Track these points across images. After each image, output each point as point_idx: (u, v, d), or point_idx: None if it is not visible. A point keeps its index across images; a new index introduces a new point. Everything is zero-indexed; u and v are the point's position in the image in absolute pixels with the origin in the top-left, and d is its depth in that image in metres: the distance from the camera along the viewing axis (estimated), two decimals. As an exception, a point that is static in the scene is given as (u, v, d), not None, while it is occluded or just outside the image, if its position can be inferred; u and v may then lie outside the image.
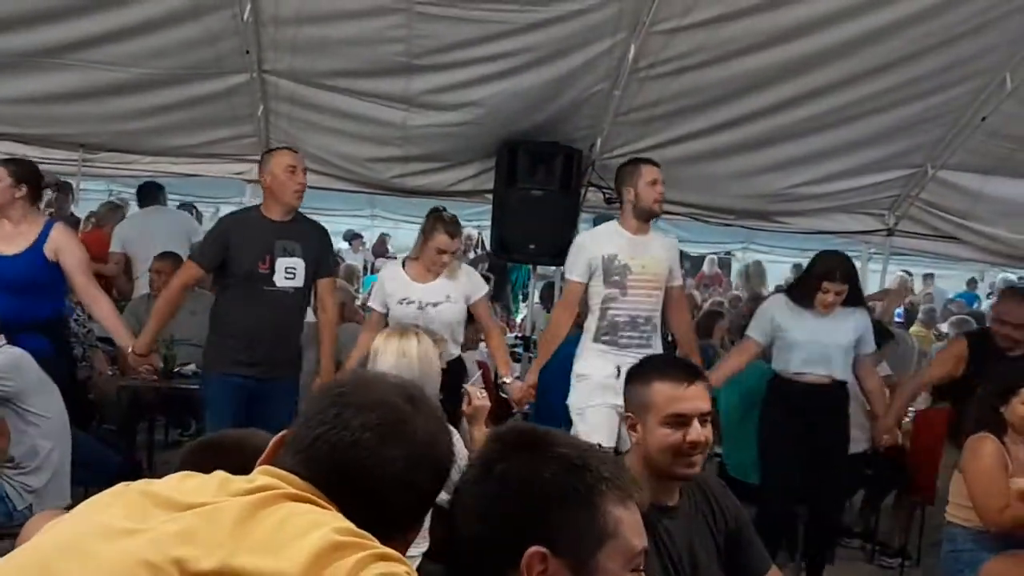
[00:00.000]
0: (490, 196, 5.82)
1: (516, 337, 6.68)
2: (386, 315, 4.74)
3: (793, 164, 5.83)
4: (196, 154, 5.80)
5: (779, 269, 13.64)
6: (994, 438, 3.79)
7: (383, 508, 1.28)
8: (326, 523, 1.16)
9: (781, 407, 4.85)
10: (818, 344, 4.73)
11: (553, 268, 6.44)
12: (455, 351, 4.80)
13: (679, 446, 2.29)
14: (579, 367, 4.66)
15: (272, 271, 4.42)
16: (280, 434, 1.34)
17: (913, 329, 8.88)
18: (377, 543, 1.18)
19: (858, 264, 8.42)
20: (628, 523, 1.39)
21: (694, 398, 2.33)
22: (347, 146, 5.71)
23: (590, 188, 5.92)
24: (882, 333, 6.20)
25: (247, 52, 4.98)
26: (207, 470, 1.29)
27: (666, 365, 2.47)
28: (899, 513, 5.99)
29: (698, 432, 2.30)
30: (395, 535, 1.29)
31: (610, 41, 4.92)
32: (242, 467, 1.32)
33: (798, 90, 5.20)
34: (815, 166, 5.87)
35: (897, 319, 8.71)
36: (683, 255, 12.93)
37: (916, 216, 6.39)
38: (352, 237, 14.05)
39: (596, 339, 4.67)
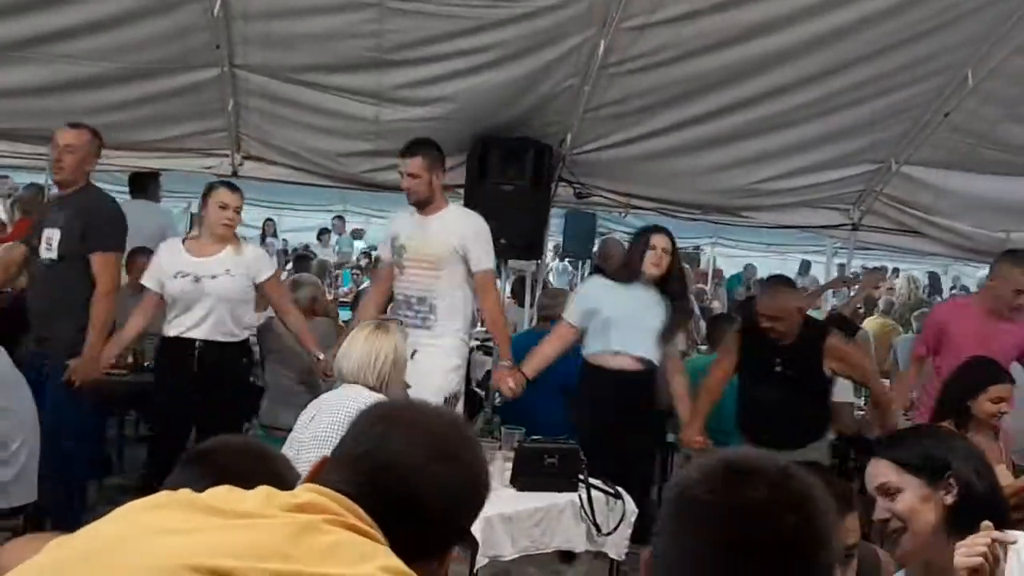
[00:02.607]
0: (462, 191, 5.85)
1: (487, 331, 6.70)
2: (161, 296, 4.56)
3: (759, 160, 5.91)
4: (166, 149, 5.78)
5: (743, 264, 13.85)
6: (952, 429, 3.88)
7: (424, 528, 1.28)
8: (375, 558, 1.15)
9: (591, 395, 4.65)
10: (634, 323, 4.59)
11: (524, 262, 6.47)
12: (241, 334, 4.64)
13: None
14: None
15: (39, 242, 4.45)
16: (321, 457, 1.34)
17: (873, 320, 9.00)
18: None
19: (823, 258, 8.59)
20: None
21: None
22: (318, 141, 5.72)
23: (560, 183, 5.98)
24: (848, 326, 6.31)
25: (217, 47, 4.98)
26: (206, 477, 1.29)
27: None
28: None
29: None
30: (430, 559, 1.30)
31: (580, 37, 4.97)
32: (239, 475, 1.31)
33: (764, 87, 5.28)
34: (781, 162, 5.95)
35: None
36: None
37: (880, 211, 6.50)
38: (322, 232, 14.04)
39: (391, 316, 4.70)
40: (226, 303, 4.52)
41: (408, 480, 1.27)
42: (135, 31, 4.86)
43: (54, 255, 4.46)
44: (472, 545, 3.51)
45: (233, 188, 4.62)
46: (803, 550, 1.16)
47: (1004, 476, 3.76)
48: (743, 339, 4.72)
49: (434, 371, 4.45)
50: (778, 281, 4.93)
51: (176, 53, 5.03)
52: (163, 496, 1.23)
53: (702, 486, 1.20)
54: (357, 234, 14.40)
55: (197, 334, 4.51)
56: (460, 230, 4.61)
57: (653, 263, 4.60)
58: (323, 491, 1.23)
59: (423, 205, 4.61)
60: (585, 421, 4.53)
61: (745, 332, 4.78)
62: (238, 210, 4.60)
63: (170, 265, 4.53)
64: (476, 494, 1.35)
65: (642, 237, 4.70)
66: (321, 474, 1.30)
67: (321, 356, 4.62)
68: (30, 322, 4.57)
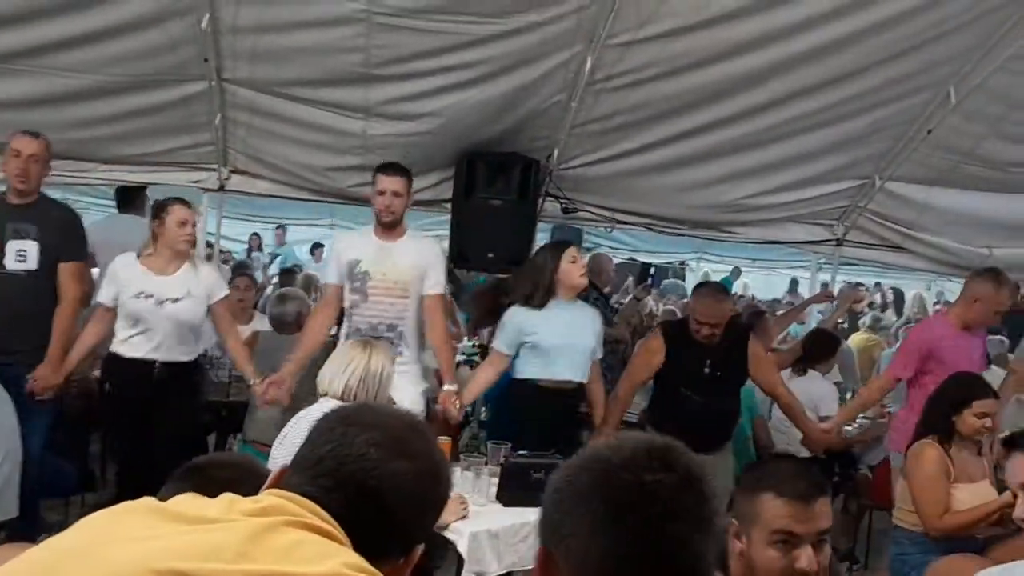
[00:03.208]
0: (449, 206, 5.86)
1: (474, 345, 6.71)
2: (115, 309, 4.54)
3: (744, 175, 5.94)
4: (153, 162, 5.75)
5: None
6: (936, 445, 3.91)
7: (386, 527, 1.30)
8: (335, 555, 1.17)
9: (520, 412, 4.61)
10: (565, 346, 4.57)
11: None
12: (195, 351, 4.67)
13: (787, 574, 2.00)
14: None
15: (2, 254, 4.45)
16: (283, 465, 1.36)
17: (858, 336, 9.05)
18: None
19: (807, 274, 8.64)
20: None
21: (814, 518, 2.02)
22: (306, 155, 5.71)
23: (547, 198, 5.99)
24: (830, 340, 6.36)
25: (206, 60, 4.98)
26: (200, 492, 1.30)
27: (784, 474, 2.11)
28: (846, 518, 6.11)
29: (810, 558, 1.99)
30: (397, 557, 1.32)
31: (567, 53, 4.99)
32: (232, 489, 1.32)
33: (749, 103, 5.32)
34: (766, 177, 5.99)
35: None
36: (632, 263, 12.98)
37: (864, 226, 6.54)
38: (315, 247, 14.01)
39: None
40: (187, 325, 4.57)
41: (369, 479, 1.29)
42: (123, 44, 4.84)
43: (30, 266, 4.46)
44: (458, 562, 3.51)
45: (187, 204, 4.64)
46: (707, 526, 1.23)
47: (988, 493, 3.80)
48: (668, 341, 4.81)
49: (407, 398, 4.38)
50: (715, 288, 5.10)
51: (164, 67, 5.02)
52: (126, 505, 1.25)
53: (637, 471, 1.22)
54: None
55: (158, 356, 4.52)
56: (423, 254, 4.63)
57: (580, 274, 4.62)
58: (285, 494, 1.26)
59: (392, 227, 4.61)
60: (504, 429, 4.49)
61: (669, 335, 4.86)
62: (195, 224, 4.63)
63: (129, 283, 4.51)
64: (437, 491, 1.38)
65: (554, 254, 4.64)
66: (283, 480, 1.32)
67: (257, 381, 4.61)
68: None
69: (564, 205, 6.09)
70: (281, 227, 13.25)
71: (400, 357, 4.47)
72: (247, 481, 1.39)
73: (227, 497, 1.26)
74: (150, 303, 4.48)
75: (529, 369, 4.60)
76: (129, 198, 6.49)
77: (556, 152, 5.75)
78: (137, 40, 4.83)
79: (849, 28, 4.82)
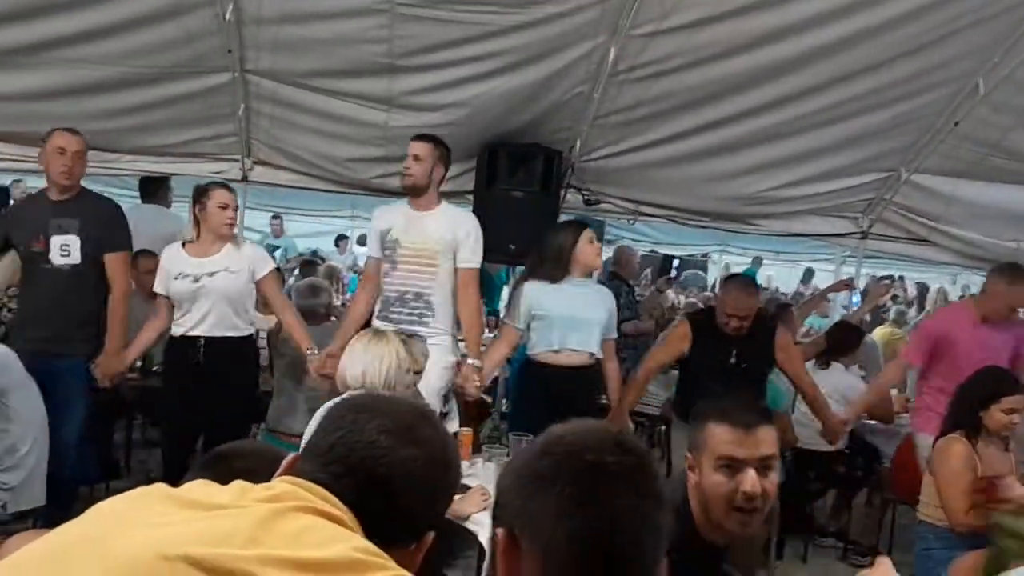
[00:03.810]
0: (471, 197, 5.85)
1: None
2: (168, 298, 4.65)
3: (768, 167, 5.90)
4: (176, 153, 5.79)
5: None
6: (964, 440, 3.88)
7: (397, 513, 1.31)
8: (345, 540, 1.19)
9: (536, 392, 4.71)
10: (575, 319, 4.71)
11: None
12: (245, 328, 4.70)
13: (732, 497, 2.11)
14: None
15: (48, 249, 4.54)
16: (293, 454, 1.38)
17: (881, 329, 9.00)
18: (394, 564, 1.20)
19: (832, 266, 8.58)
20: None
21: (755, 444, 2.13)
22: (328, 146, 5.73)
23: (569, 190, 5.98)
24: (854, 333, 6.33)
25: (230, 51, 4.99)
26: (221, 480, 1.31)
27: (726, 406, 2.22)
28: (871, 512, 6.08)
29: (753, 482, 2.10)
30: (407, 543, 1.33)
31: (590, 44, 4.97)
32: (254, 478, 1.33)
33: (773, 94, 5.27)
34: (790, 169, 5.94)
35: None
36: (654, 255, 12.94)
37: (889, 219, 6.48)
38: (340, 239, 14.03)
39: (377, 314, 4.69)
40: (226, 299, 4.59)
41: (379, 466, 1.30)
42: (147, 35, 4.87)
43: (74, 260, 4.56)
44: (479, 552, 3.51)
45: (228, 187, 4.70)
46: (663, 504, 1.29)
47: (1015, 488, 3.76)
48: (694, 330, 4.84)
49: (431, 368, 4.41)
50: (745, 282, 5.14)
51: (188, 58, 5.04)
52: (139, 491, 1.26)
53: (599, 453, 1.26)
54: (363, 241, 14.23)
55: (200, 331, 4.59)
56: (455, 226, 4.64)
57: (596, 255, 4.85)
58: (297, 481, 1.27)
59: (416, 193, 4.63)
60: (523, 417, 4.59)
61: (696, 324, 4.89)
62: (236, 208, 4.69)
63: (172, 268, 4.62)
64: (447, 478, 1.39)
65: (574, 232, 4.82)
66: (295, 467, 1.33)
67: (315, 351, 4.64)
68: (32, 325, 4.61)
69: (586, 197, 6.07)
70: (278, 217, 12.93)
71: (427, 328, 4.53)
72: (266, 469, 1.40)
73: (239, 484, 1.27)
74: (188, 281, 4.57)
75: (541, 344, 4.72)
76: (152, 189, 6.54)
77: (578, 143, 5.73)
78: (161, 31, 4.85)
79: (875, 19, 4.76)
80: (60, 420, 4.36)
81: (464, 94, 5.24)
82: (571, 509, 1.22)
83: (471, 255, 4.67)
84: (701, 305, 9.26)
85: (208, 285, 4.56)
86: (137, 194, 6.70)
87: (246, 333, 4.72)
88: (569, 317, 4.68)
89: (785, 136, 5.63)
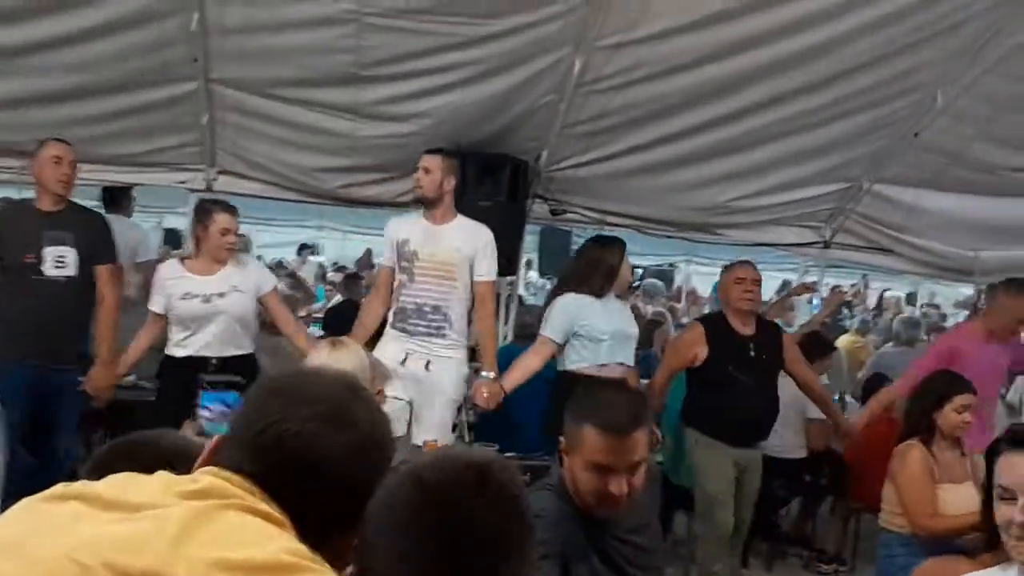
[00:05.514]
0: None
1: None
2: (165, 316, 4.60)
3: (733, 177, 5.96)
4: (140, 163, 5.72)
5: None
6: (920, 445, 3.93)
7: (328, 500, 1.27)
8: (276, 540, 1.15)
9: None
10: (624, 333, 4.78)
11: (499, 278, 6.45)
12: (249, 346, 4.67)
13: (602, 493, 2.20)
14: (376, 350, 4.53)
15: (40, 260, 4.48)
16: (216, 437, 1.31)
17: (847, 338, 9.08)
18: (325, 566, 1.16)
19: (795, 277, 8.64)
20: None
21: (627, 452, 2.19)
22: (294, 156, 5.70)
23: (536, 199, 5.99)
24: (823, 344, 6.35)
25: (195, 60, 4.96)
26: (121, 471, 1.26)
27: (603, 408, 2.24)
28: (835, 520, 6.12)
29: (621, 486, 2.18)
30: (337, 535, 1.28)
31: (557, 55, 4.99)
32: (156, 467, 1.28)
33: (738, 105, 5.32)
34: (754, 179, 6.00)
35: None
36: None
37: (852, 229, 6.56)
38: (302, 248, 13.93)
39: (392, 324, 4.71)
40: (236, 318, 4.57)
41: (308, 451, 1.25)
42: (111, 44, 4.82)
43: (70, 272, 4.52)
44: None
45: (231, 210, 4.65)
46: (519, 552, 1.32)
47: (970, 494, 3.80)
48: (708, 331, 4.85)
49: (450, 382, 4.58)
50: (745, 260, 5.16)
51: (153, 67, 5.00)
52: (57, 491, 1.22)
53: (451, 493, 1.28)
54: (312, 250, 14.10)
55: (211, 352, 4.54)
56: (473, 239, 4.68)
57: (630, 272, 4.97)
58: (223, 474, 1.22)
59: (430, 205, 4.66)
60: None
61: (708, 326, 4.93)
62: (237, 231, 4.67)
63: (175, 288, 4.55)
64: (378, 459, 1.33)
65: (621, 250, 4.88)
66: (219, 453, 1.28)
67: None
68: (22, 337, 4.52)
69: (553, 207, 6.09)
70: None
71: (444, 340, 4.57)
72: (177, 459, 1.36)
73: (163, 477, 1.22)
74: (197, 302, 4.53)
75: (581, 357, 4.68)
76: (115, 198, 6.45)
77: (545, 153, 5.75)
78: (125, 40, 4.81)
79: (836, 31, 4.82)
80: (56, 435, 4.40)
81: (431, 104, 5.24)
82: (410, 554, 1.25)
83: (488, 268, 4.72)
84: (667, 315, 9.30)
85: (220, 305, 4.53)
86: (96, 203, 6.61)
87: (251, 350, 4.70)
88: (619, 332, 4.72)
89: (749, 146, 5.68)
